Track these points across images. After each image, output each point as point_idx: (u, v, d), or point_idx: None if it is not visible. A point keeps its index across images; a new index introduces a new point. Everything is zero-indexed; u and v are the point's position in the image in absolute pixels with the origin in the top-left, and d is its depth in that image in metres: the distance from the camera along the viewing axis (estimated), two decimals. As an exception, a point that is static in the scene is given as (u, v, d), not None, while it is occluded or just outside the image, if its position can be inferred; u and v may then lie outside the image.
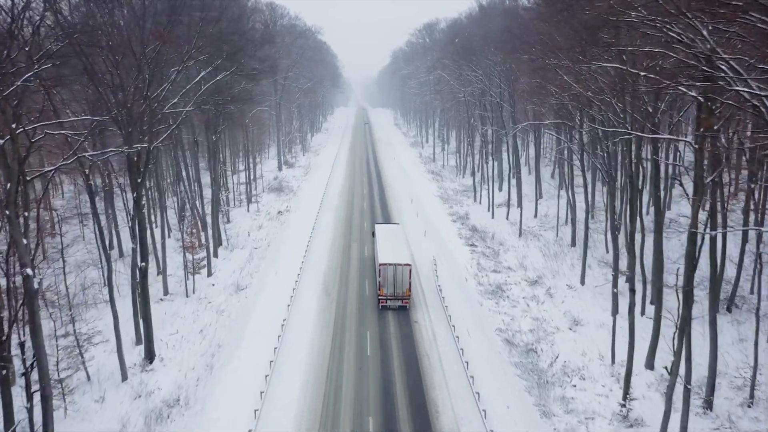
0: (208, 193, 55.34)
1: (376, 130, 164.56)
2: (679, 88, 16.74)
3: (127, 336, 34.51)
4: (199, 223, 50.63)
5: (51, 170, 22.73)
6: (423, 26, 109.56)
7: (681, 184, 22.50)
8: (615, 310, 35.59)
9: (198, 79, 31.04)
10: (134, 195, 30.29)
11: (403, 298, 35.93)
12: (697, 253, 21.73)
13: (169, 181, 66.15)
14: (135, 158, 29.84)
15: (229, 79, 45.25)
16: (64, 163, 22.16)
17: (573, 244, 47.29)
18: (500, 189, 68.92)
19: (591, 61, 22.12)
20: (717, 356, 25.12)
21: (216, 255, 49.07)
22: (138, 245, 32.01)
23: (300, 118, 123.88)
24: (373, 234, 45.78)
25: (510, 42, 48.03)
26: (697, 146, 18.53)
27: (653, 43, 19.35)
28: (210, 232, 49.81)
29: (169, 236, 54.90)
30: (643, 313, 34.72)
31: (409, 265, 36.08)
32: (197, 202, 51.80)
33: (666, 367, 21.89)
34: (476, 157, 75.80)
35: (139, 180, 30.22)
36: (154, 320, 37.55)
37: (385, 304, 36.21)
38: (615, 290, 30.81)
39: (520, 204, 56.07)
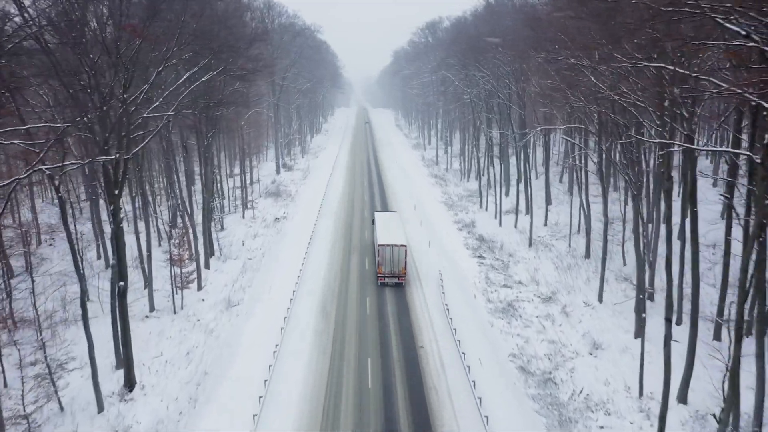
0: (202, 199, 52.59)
1: (377, 130, 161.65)
2: (745, 94, 13.83)
3: (107, 359, 31.66)
4: (190, 232, 47.80)
5: (4, 183, 19.77)
6: (426, 25, 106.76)
7: (730, 203, 19.54)
8: (640, 333, 32.68)
9: (182, 80, 28.09)
10: (111, 208, 27.38)
11: (399, 276, 40.21)
12: (748, 283, 18.86)
13: (161, 186, 63.35)
14: (111, 168, 26.95)
15: (221, 80, 42.39)
16: (19, 178, 19.25)
17: (587, 255, 44.34)
18: (507, 194, 66.02)
19: (626, 60, 19.16)
20: (765, 394, 22.21)
21: (207, 266, 46.19)
22: (117, 262, 29.13)
23: (299, 119, 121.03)
24: (373, 221, 50.01)
25: (523, 41, 45.08)
26: (759, 160, 15.60)
27: (703, 37, 16.39)
28: (201, 242, 46.93)
29: (159, 245, 52.14)
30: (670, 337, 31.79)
31: (405, 246, 39.93)
32: (188, 210, 48.95)
33: (714, 415, 19.01)
34: (482, 161, 72.85)
35: (117, 192, 27.31)
36: (137, 340, 34.71)
37: (384, 281, 40.55)
38: (643, 315, 27.86)
39: (529, 211, 53.14)
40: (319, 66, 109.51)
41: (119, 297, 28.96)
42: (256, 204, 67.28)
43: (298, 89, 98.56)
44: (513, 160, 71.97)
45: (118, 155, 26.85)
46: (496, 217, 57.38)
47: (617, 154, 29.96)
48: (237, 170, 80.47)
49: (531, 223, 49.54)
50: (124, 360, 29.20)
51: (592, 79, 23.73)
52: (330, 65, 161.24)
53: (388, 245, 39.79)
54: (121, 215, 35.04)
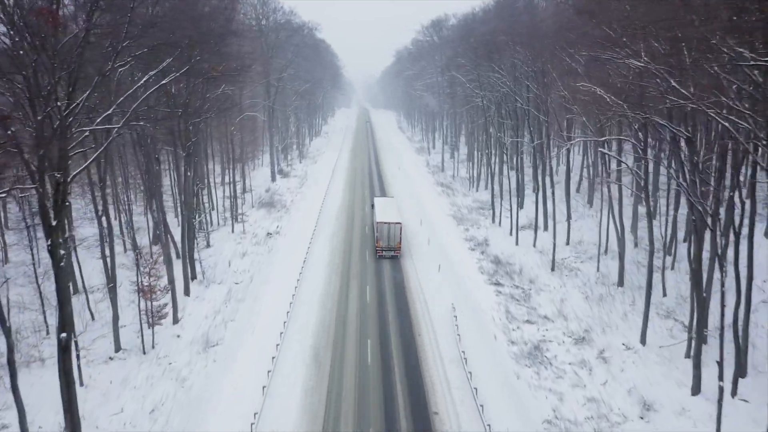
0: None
1: (378, 133, 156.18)
2: None
3: (58, 415, 26.13)
4: (172, 249, 42.31)
5: None
6: (431, 23, 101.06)
7: None
8: (696, 390, 27.09)
9: (140, 84, 22.54)
10: (48, 246, 21.81)
11: (394, 249, 46.91)
12: None
13: (138, 202, 57.90)
14: (49, 194, 21.41)
15: (199, 83, 36.92)
16: None
17: (620, 283, 38.70)
18: (521, 206, 60.31)
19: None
20: None
21: (188, 292, 40.67)
22: (59, 308, 23.56)
23: (297, 122, 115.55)
24: (372, 206, 55.84)
25: (549, 37, 39.48)
26: None
27: None
28: (181, 265, 41.39)
29: (138, 268, 46.56)
30: (734, 393, 26.20)
31: (400, 223, 47.00)
32: (168, 230, 43.39)
33: None
34: (493, 168, 67.22)
35: (55, 223, 21.75)
36: (96, 391, 29.42)
37: (381, 254, 47.11)
38: (696, 368, 22.23)
39: (548, 227, 47.61)
40: (317, 66, 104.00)
41: (61, 352, 23.40)
42: (247, 216, 61.76)
43: (296, 91, 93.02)
44: (527, 170, 66.39)
45: (59, 176, 21.37)
46: (511, 234, 51.81)
47: (680, 174, 24.29)
48: (229, 178, 75.04)
49: (554, 244, 43.87)
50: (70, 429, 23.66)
51: (672, 82, 18.17)
52: (330, 65, 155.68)
53: (385, 223, 46.80)
54: (73, 245, 29.50)
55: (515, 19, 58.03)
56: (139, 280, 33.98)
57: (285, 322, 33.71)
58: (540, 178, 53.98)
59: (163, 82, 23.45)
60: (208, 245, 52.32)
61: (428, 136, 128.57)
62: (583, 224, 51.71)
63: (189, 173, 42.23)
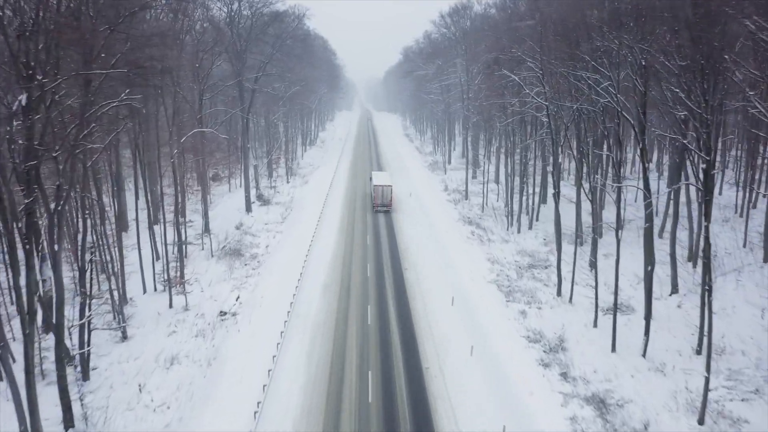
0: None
1: (382, 141, 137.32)
2: None
3: None
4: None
5: None
6: (450, 10, 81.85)
7: None
8: None
9: None
10: None
11: (387, 205, 61.51)
12: None
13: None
14: None
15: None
16: None
17: None
18: (593, 268, 41.75)
19: None
20: None
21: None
22: None
23: (287, 130, 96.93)
24: (371, 179, 67.24)
25: None
26: None
27: None
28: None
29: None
30: None
31: (391, 186, 62.06)
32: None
33: None
34: (541, 197, 48.52)
35: None
36: None
37: (377, 209, 61.72)
38: None
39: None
40: (307, 64, 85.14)
41: None
42: (197, 277, 43.17)
43: (273, 94, 74.08)
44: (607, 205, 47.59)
45: None
46: (595, 325, 33.10)
47: None
48: (175, 217, 56.30)
49: (708, 364, 24.83)
50: None
51: None
52: (327, 64, 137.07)
53: (380, 185, 61.73)
54: None
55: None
56: None
57: None
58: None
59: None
60: (124, 337, 33.70)
61: (440, 146, 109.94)
62: (726, 304, 33.06)
63: (63, 235, 23.49)
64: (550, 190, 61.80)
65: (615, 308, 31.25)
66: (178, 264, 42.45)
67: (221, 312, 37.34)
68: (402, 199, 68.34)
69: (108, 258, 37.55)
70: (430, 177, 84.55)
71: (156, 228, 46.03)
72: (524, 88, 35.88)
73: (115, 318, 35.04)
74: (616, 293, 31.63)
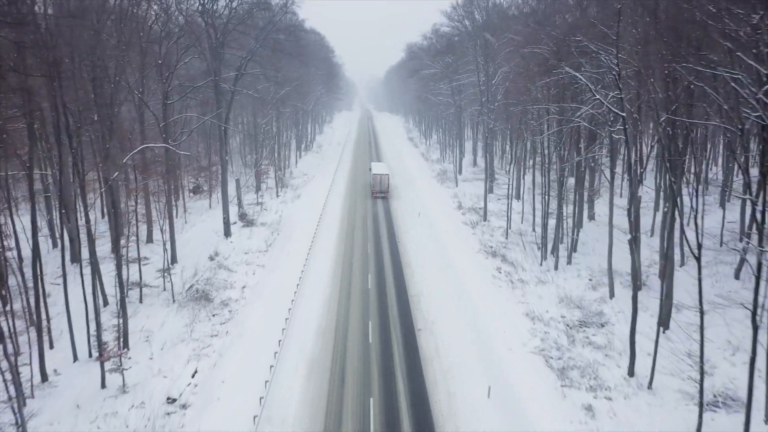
0: None
1: (384, 145, 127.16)
2: None
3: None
4: None
5: None
6: (464, 1, 71.07)
7: None
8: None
9: None
10: None
11: (385, 192, 69.14)
12: None
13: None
14: None
15: None
16: None
17: None
18: (663, 326, 31.60)
19: None
20: None
21: None
22: None
23: (278, 135, 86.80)
24: (370, 169, 75.32)
25: None
26: None
27: None
28: None
29: None
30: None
31: (388, 174, 70.12)
32: None
33: None
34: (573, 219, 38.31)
35: None
36: None
37: (376, 195, 69.24)
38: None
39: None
40: (299, 61, 74.76)
41: None
42: (148, 335, 33.12)
43: (264, 98, 63.76)
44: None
45: None
46: (699, 435, 22.87)
47: None
48: (139, 251, 46.28)
49: None
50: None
51: None
52: (325, 62, 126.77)
53: (378, 174, 69.44)
54: None
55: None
56: None
57: None
58: None
59: None
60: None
61: (447, 152, 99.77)
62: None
63: None
64: (586, 211, 51.79)
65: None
66: (120, 322, 32.25)
67: (169, 399, 27.15)
68: (410, 222, 58.04)
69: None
70: (440, 191, 74.27)
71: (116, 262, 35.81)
72: (593, 92, 25.54)
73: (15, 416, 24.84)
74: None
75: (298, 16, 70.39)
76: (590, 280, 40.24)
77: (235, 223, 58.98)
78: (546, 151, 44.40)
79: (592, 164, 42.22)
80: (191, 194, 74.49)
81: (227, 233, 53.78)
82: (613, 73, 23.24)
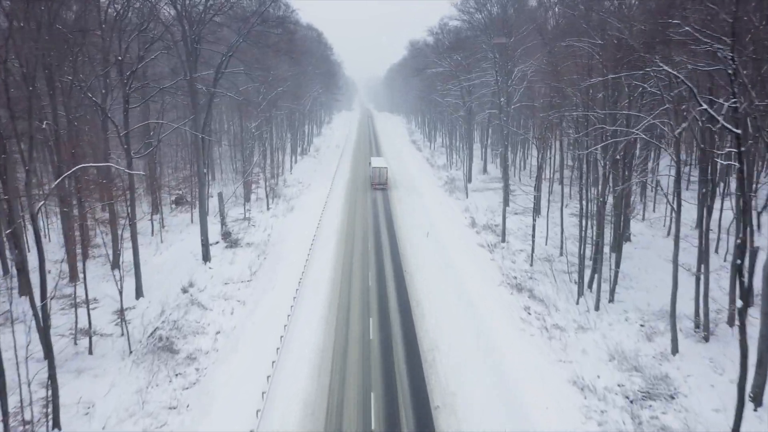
0: None
1: (386, 148, 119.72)
2: None
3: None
4: None
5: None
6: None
7: None
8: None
9: None
10: None
11: (383, 184, 73.63)
12: None
13: None
14: None
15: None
16: None
17: None
18: (759, 403, 24.24)
19: None
20: None
21: None
22: None
23: (270, 140, 79.55)
24: (370, 163, 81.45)
25: None
26: None
27: None
28: None
29: None
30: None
31: (386, 167, 75.08)
32: None
33: None
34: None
35: None
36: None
37: (376, 187, 73.57)
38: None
39: None
40: (293, 59, 67.12)
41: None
42: (88, 408, 25.76)
43: (243, 100, 56.26)
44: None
45: None
46: None
47: None
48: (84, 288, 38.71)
49: None
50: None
51: None
52: (323, 61, 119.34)
53: (377, 167, 74.43)
54: None
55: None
56: None
57: None
58: None
59: None
60: None
61: (452, 155, 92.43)
62: None
63: None
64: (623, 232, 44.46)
65: None
66: (49, 392, 24.83)
67: None
68: (418, 244, 50.56)
69: None
70: (449, 203, 66.80)
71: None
72: (698, 100, 18.17)
73: None
74: None
75: (290, 7, 62.62)
76: (642, 326, 32.82)
77: (217, 242, 51.71)
78: (585, 166, 36.90)
79: (653, 185, 34.76)
80: (173, 206, 67.15)
81: (206, 257, 46.40)
82: (729, 71, 15.88)
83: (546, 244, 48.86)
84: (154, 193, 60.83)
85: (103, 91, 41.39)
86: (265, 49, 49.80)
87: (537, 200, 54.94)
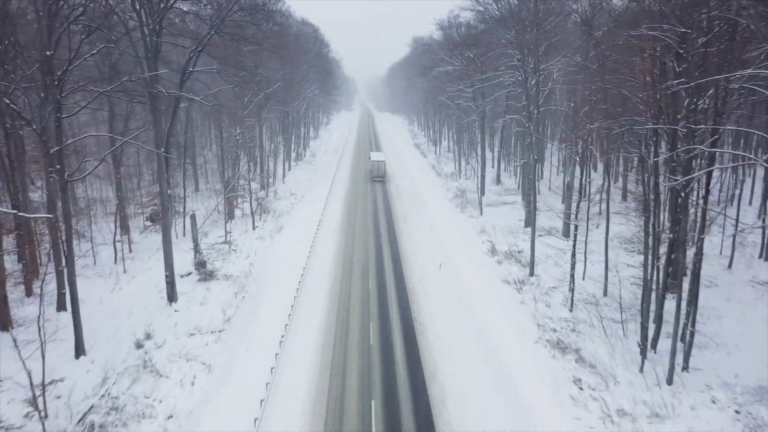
0: None
1: (388, 152, 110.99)
2: None
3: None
4: None
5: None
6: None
7: None
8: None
9: None
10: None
11: (382, 176, 78.28)
12: None
13: None
14: None
15: None
16: None
17: None
18: None
19: None
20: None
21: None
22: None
23: (260, 147, 71.32)
24: (369, 158, 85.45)
25: None
26: None
27: None
28: None
29: None
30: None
31: (384, 161, 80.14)
32: None
33: None
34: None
35: None
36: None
37: (375, 179, 78.05)
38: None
39: None
40: (283, 56, 58.52)
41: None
42: None
43: (217, 105, 47.84)
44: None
45: None
46: None
47: None
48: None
49: None
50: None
51: None
52: (320, 59, 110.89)
53: (376, 161, 79.53)
54: None
55: None
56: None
57: None
58: None
59: None
60: None
61: (458, 161, 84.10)
62: None
63: None
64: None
65: None
66: None
67: None
68: (429, 279, 41.97)
69: None
70: (461, 222, 58.35)
71: None
72: None
73: None
74: None
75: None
76: (737, 412, 24.41)
77: (189, 273, 43.49)
78: (647, 187, 28.46)
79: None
80: (148, 223, 58.71)
81: (171, 297, 37.97)
82: None
83: (583, 279, 40.43)
84: (121, 211, 52.63)
85: (42, 95, 32.92)
86: (246, 44, 41.22)
87: (567, 221, 46.63)
